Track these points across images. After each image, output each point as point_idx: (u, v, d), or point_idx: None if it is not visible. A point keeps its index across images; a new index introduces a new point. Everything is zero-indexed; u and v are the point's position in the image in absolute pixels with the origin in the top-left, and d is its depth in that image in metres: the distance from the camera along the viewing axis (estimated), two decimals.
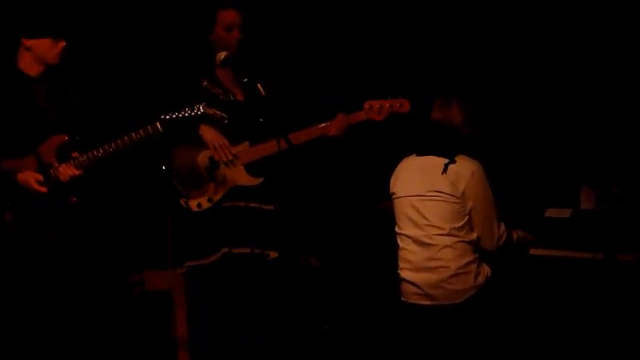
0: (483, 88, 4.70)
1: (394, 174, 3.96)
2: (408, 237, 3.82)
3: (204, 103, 3.76)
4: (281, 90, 4.12)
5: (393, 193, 3.93)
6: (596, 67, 4.62)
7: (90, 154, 3.76)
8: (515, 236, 3.92)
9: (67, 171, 3.74)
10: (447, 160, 3.75)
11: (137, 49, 4.63)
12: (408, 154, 3.98)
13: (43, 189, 3.70)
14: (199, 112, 3.72)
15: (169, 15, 4.69)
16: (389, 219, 4.04)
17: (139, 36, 4.65)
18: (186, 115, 3.71)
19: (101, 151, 3.75)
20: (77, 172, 3.76)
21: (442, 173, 3.73)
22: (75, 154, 3.78)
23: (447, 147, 3.80)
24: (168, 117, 3.70)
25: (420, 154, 3.89)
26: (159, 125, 3.72)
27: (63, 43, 3.80)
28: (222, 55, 4.03)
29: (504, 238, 3.81)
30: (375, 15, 5.11)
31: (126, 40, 4.62)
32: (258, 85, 3.84)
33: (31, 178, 3.70)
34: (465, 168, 3.73)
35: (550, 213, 4.17)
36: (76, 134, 3.82)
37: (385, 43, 5.10)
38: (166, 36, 4.66)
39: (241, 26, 4.13)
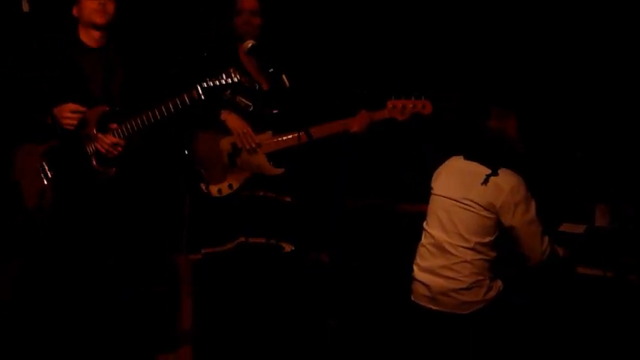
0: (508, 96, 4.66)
1: (439, 169, 3.91)
2: (432, 237, 3.78)
3: (233, 68, 3.74)
4: (304, 82, 4.10)
5: (432, 188, 3.88)
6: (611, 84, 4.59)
7: (129, 125, 3.75)
8: (561, 252, 3.86)
9: (104, 140, 3.75)
10: (489, 171, 3.70)
11: (164, 35, 4.63)
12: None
13: (72, 121, 3.69)
14: (236, 80, 3.69)
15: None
16: (405, 221, 4.03)
17: (166, 22, 4.64)
18: (223, 82, 3.68)
19: (139, 120, 3.73)
20: (116, 141, 3.76)
21: (482, 184, 3.69)
22: (114, 126, 3.78)
23: (495, 157, 3.74)
24: (205, 84, 3.68)
25: (467, 157, 3.82)
26: (199, 91, 3.67)
27: None
28: (249, 43, 4.04)
29: (548, 251, 3.74)
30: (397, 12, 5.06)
31: (151, 26, 4.61)
32: (283, 76, 3.84)
33: (66, 110, 3.70)
34: (505, 182, 3.67)
35: (565, 228, 4.16)
36: (117, 106, 3.82)
37: (408, 39, 5.02)
38: (194, 23, 4.65)
39: (258, 12, 4.10)
